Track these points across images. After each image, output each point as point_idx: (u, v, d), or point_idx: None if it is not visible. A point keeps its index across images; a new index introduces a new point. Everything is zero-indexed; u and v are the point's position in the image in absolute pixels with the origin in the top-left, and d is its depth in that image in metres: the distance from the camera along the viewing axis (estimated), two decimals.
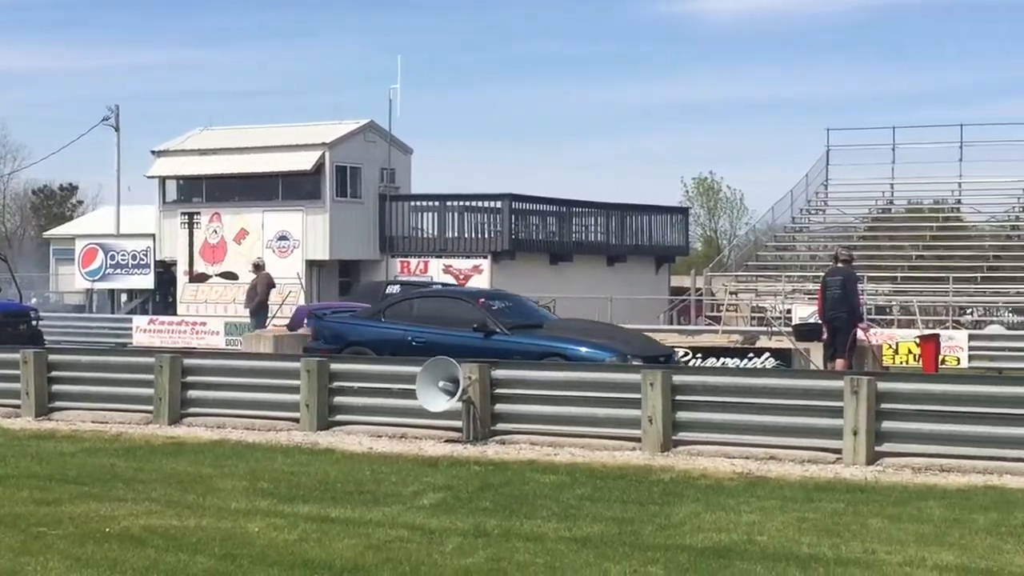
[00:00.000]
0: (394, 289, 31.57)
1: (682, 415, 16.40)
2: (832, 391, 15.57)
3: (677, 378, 16.53)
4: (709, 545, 10.57)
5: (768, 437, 15.94)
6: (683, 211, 58.31)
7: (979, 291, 45.91)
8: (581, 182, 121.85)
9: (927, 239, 51.75)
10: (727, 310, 45.48)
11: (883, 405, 15.37)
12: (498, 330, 20.94)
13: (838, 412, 15.39)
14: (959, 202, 55.39)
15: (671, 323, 43.34)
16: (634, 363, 19.18)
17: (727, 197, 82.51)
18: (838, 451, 15.43)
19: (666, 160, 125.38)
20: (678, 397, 16.38)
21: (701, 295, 47.45)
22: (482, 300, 22.11)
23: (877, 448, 15.36)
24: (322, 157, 43.49)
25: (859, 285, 24.61)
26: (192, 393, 19.41)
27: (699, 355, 25.04)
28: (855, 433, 15.24)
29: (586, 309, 39.24)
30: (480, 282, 43.36)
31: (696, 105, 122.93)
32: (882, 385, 15.45)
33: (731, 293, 47.50)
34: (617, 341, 21.02)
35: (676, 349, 23.67)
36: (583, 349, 20.22)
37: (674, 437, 16.36)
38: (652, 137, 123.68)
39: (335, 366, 18.81)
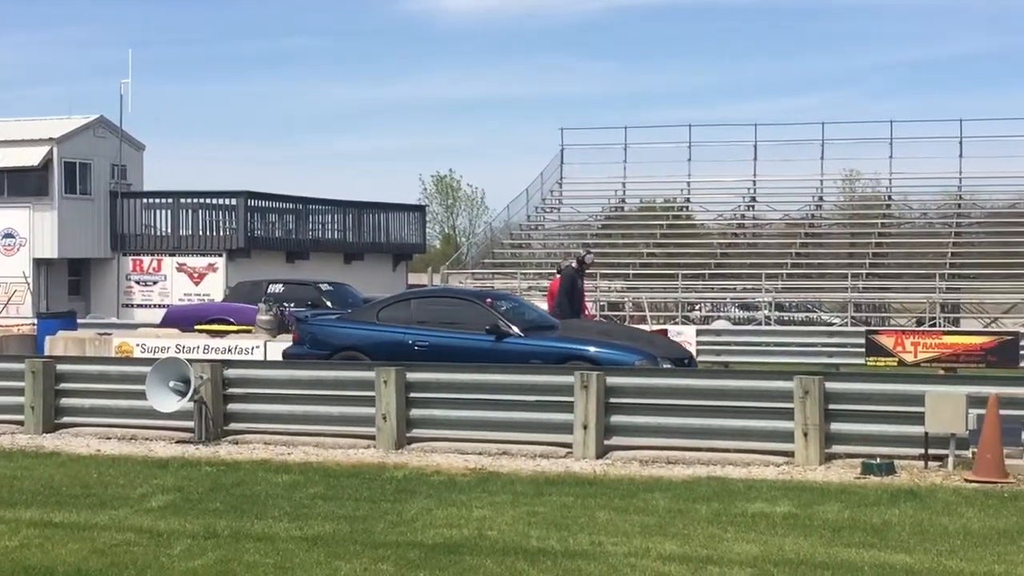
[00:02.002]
0: (277, 288, 30.94)
1: (416, 412, 16.48)
2: (563, 386, 15.83)
3: (411, 375, 16.59)
4: (440, 541, 10.63)
5: (501, 433, 16.14)
6: (420, 209, 58.57)
7: (707, 287, 47.24)
8: (319, 180, 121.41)
9: (658, 237, 53.07)
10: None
11: (612, 399, 15.72)
12: (512, 332, 19.27)
13: (569, 407, 15.67)
14: (688, 201, 56.93)
15: None
16: (664, 366, 18.35)
17: (467, 195, 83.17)
18: (569, 445, 15.72)
19: (406, 157, 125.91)
20: (412, 394, 16.46)
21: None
22: (489, 300, 20.43)
23: (606, 442, 15.69)
24: (50, 152, 42.33)
25: (584, 283, 24.96)
26: None
27: None
28: (585, 427, 15.54)
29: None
30: (216, 280, 42.79)
31: (436, 102, 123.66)
32: (611, 380, 15.78)
33: None
34: (642, 343, 19.77)
35: None
36: (609, 352, 18.65)
37: (408, 434, 16.44)
38: (392, 134, 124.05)
39: (62, 367, 18.36)
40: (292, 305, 27.70)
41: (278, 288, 31.18)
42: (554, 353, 18.77)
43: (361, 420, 16.65)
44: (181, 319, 30.41)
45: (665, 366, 18.28)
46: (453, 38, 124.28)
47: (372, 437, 16.46)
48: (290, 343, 21.37)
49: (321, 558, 9.99)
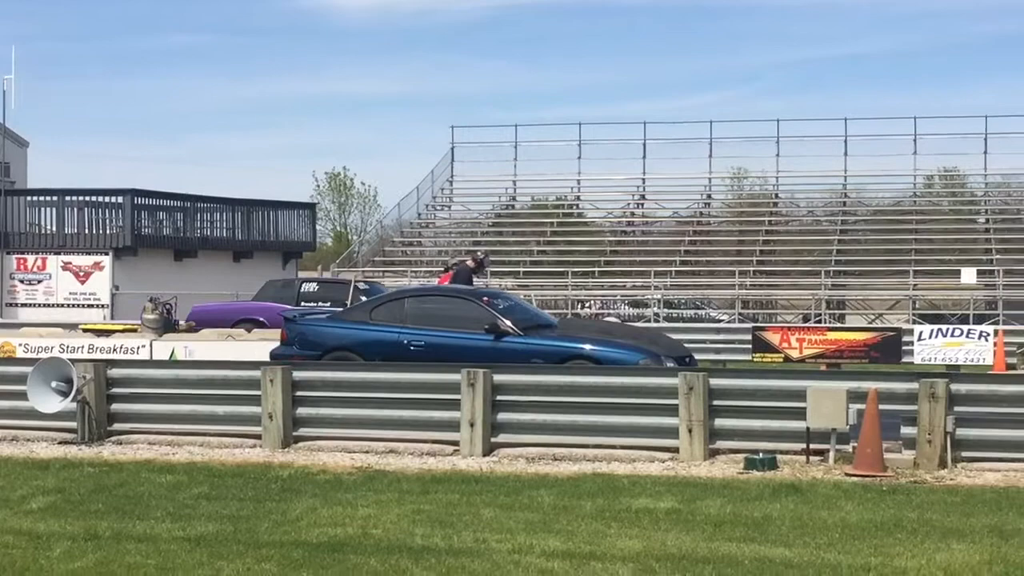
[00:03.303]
0: (311, 287, 29.69)
1: (303, 411, 16.41)
2: (449, 384, 15.84)
3: (298, 374, 16.53)
4: (324, 540, 10.61)
5: (388, 431, 16.13)
6: (310, 206, 58.17)
7: (597, 285, 47.50)
8: (211, 178, 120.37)
9: (548, 234, 53.29)
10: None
11: (499, 397, 15.77)
12: (511, 331, 18.74)
13: (455, 405, 15.69)
14: (578, 199, 57.22)
15: None
16: (668, 364, 17.97)
17: (360, 192, 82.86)
18: (456, 443, 15.73)
19: (300, 155, 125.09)
20: (299, 393, 16.39)
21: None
22: (486, 299, 19.89)
23: (494, 439, 15.74)
24: None
25: (475, 279, 24.98)
26: None
27: None
28: (472, 425, 15.57)
29: None
30: (102, 279, 42.27)
31: (330, 100, 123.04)
32: (498, 377, 15.82)
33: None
34: (644, 341, 19.41)
35: None
36: (613, 351, 18.28)
37: (295, 433, 16.37)
38: (285, 132, 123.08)
39: None
40: (328, 304, 26.74)
41: (312, 287, 29.81)
42: (556, 352, 18.40)
43: (247, 419, 16.54)
44: (206, 319, 28.44)
45: (668, 364, 18.01)
46: (346, 36, 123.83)
47: (258, 436, 16.36)
48: (278, 343, 20.57)
49: (203, 558, 9.92)
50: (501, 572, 9.43)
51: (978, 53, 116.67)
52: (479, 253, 24.67)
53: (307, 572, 9.51)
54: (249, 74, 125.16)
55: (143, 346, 23.92)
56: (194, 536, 10.76)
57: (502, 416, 15.79)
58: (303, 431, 16.40)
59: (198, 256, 46.44)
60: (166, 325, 25.14)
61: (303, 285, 30.29)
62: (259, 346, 22.30)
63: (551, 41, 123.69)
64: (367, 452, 15.75)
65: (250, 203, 50.59)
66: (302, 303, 26.94)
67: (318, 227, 65.45)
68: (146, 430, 17.03)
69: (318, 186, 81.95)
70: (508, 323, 18.87)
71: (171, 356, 22.80)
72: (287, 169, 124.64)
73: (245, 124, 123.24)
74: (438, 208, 57.03)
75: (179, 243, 46.44)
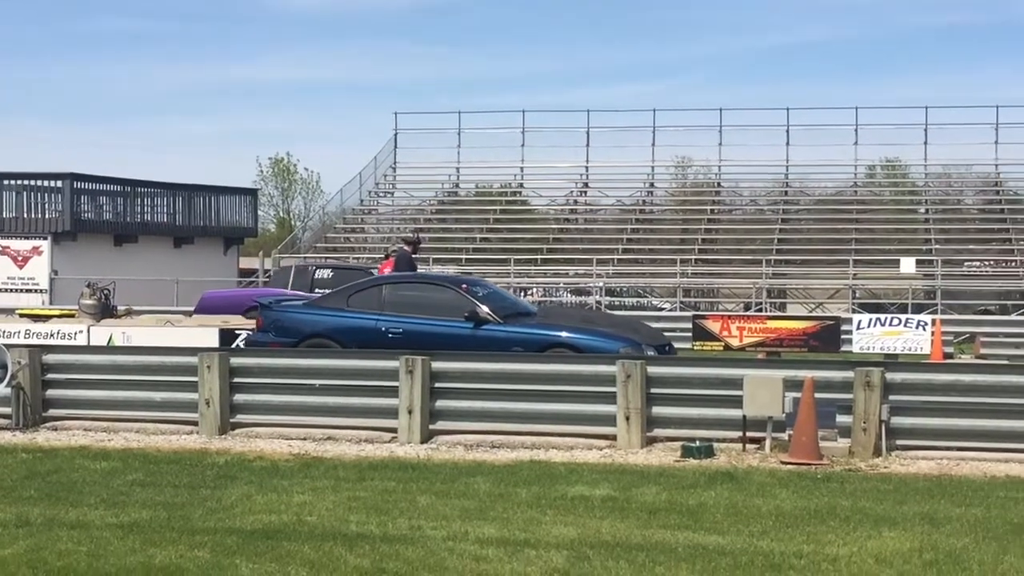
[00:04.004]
0: (325, 274, 28.95)
1: (240, 397, 16.35)
2: (387, 371, 15.82)
3: (235, 360, 16.47)
4: (259, 527, 10.56)
5: (326, 418, 16.09)
6: (252, 192, 57.92)
7: (540, 272, 47.53)
8: (153, 162, 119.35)
9: (491, 222, 53.27)
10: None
11: (437, 384, 15.76)
12: (491, 319, 18.66)
13: (394, 392, 15.67)
14: (522, 186, 57.22)
15: None
16: (649, 353, 17.85)
17: (303, 178, 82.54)
18: (394, 430, 15.71)
19: (242, 140, 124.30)
20: (236, 379, 16.32)
21: (270, 277, 47.25)
22: (465, 286, 19.75)
23: (432, 426, 15.73)
24: None
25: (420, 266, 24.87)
26: None
27: None
28: (410, 412, 15.55)
29: (152, 292, 38.58)
30: (40, 264, 41.94)
31: (274, 86, 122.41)
32: (436, 364, 15.81)
33: None
34: (624, 329, 19.40)
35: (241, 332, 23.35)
36: (593, 339, 18.26)
37: (232, 420, 16.31)
38: (227, 117, 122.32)
39: None
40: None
41: (327, 273, 29.15)
42: (536, 341, 18.30)
43: (184, 406, 16.47)
44: (216, 306, 27.78)
45: (649, 353, 17.96)
46: (289, 21, 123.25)
47: (195, 423, 16.29)
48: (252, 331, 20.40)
49: (136, 545, 9.85)
50: (435, 559, 9.42)
51: (919, 44, 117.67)
52: (412, 234, 24.41)
53: (241, 559, 9.46)
54: (192, 59, 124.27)
55: (80, 332, 23.72)
56: (127, 523, 10.68)
57: (440, 403, 15.78)
58: (240, 417, 16.35)
59: (138, 241, 46.16)
60: (104, 311, 24.94)
61: (317, 272, 29.95)
62: (198, 332, 22.19)
63: (495, 28, 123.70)
64: (305, 439, 15.71)
65: (191, 188, 50.31)
66: (315, 290, 26.55)
67: (260, 213, 65.23)
68: (82, 416, 16.91)
69: (261, 172, 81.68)
70: (488, 311, 18.81)
71: (109, 342, 22.62)
72: (230, 155, 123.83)
73: (187, 109, 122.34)
74: (381, 194, 56.87)
75: (119, 228, 46.12)
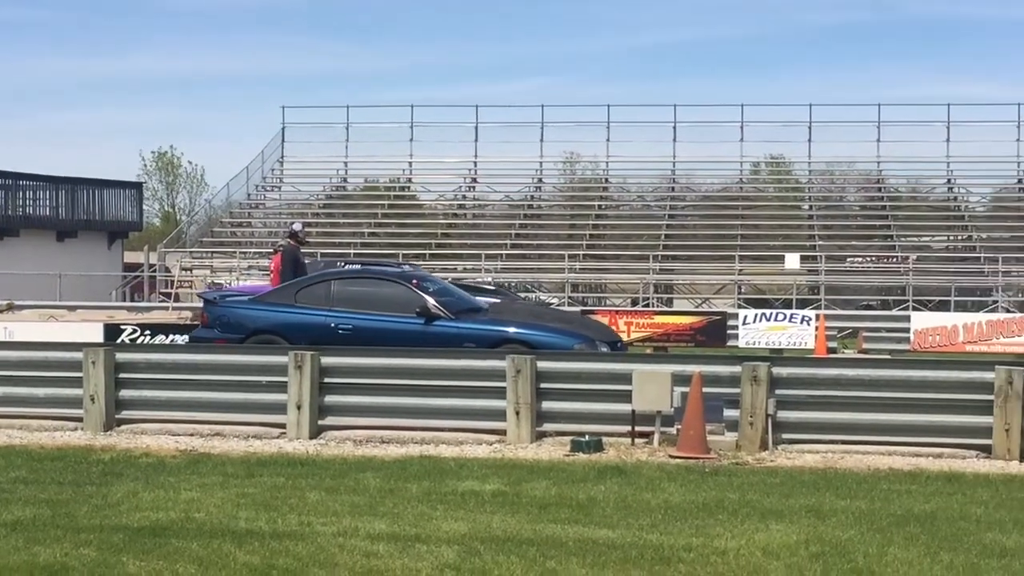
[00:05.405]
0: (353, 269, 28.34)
1: (126, 393, 16.16)
2: (276, 366, 15.71)
3: (120, 356, 16.28)
4: (146, 524, 10.43)
5: (214, 413, 15.97)
6: (137, 186, 57.22)
7: (428, 267, 47.38)
8: (33, 155, 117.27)
9: (380, 217, 53.09)
10: (181, 286, 45.04)
11: (327, 380, 15.68)
12: (443, 315, 18.41)
13: (283, 387, 15.57)
14: (410, 181, 57.11)
15: (124, 300, 42.50)
16: (602, 349, 17.85)
17: (187, 172, 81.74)
18: (283, 426, 15.61)
19: (126, 133, 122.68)
20: (122, 375, 16.14)
21: (156, 271, 46.78)
22: (415, 281, 19.39)
23: (321, 422, 15.65)
24: None
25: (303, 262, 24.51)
26: None
27: (148, 332, 24.63)
28: (299, 407, 15.46)
29: (35, 286, 37.98)
30: None
31: (158, 78, 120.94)
32: (325, 360, 15.73)
33: (185, 269, 47.08)
34: (577, 326, 19.31)
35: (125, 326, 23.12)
36: (548, 335, 18.09)
37: (118, 416, 16.12)
38: (111, 110, 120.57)
39: None
40: None
41: (354, 269, 28.82)
42: (489, 337, 18.04)
43: (69, 402, 16.26)
44: None
45: (603, 349, 17.94)
46: (175, 13, 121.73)
47: (80, 419, 16.08)
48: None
49: (19, 544, 9.67)
50: (325, 555, 9.37)
51: (804, 43, 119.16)
52: (297, 226, 23.93)
53: (128, 557, 9.33)
54: (74, 50, 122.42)
55: None
56: (10, 521, 10.49)
57: (330, 399, 15.70)
58: (126, 413, 16.16)
59: (20, 235, 45.46)
60: None
61: (345, 267, 29.42)
62: (83, 327, 21.90)
63: (384, 22, 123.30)
64: (192, 435, 15.56)
65: (74, 181, 49.63)
66: None
67: (145, 207, 64.50)
68: None
69: (145, 165, 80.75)
70: (439, 307, 18.60)
71: None
72: (113, 148, 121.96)
73: (69, 101, 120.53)
74: (268, 189, 56.44)
75: (0, 222, 45.33)
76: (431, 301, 18.63)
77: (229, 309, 19.64)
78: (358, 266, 27.43)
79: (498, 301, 22.48)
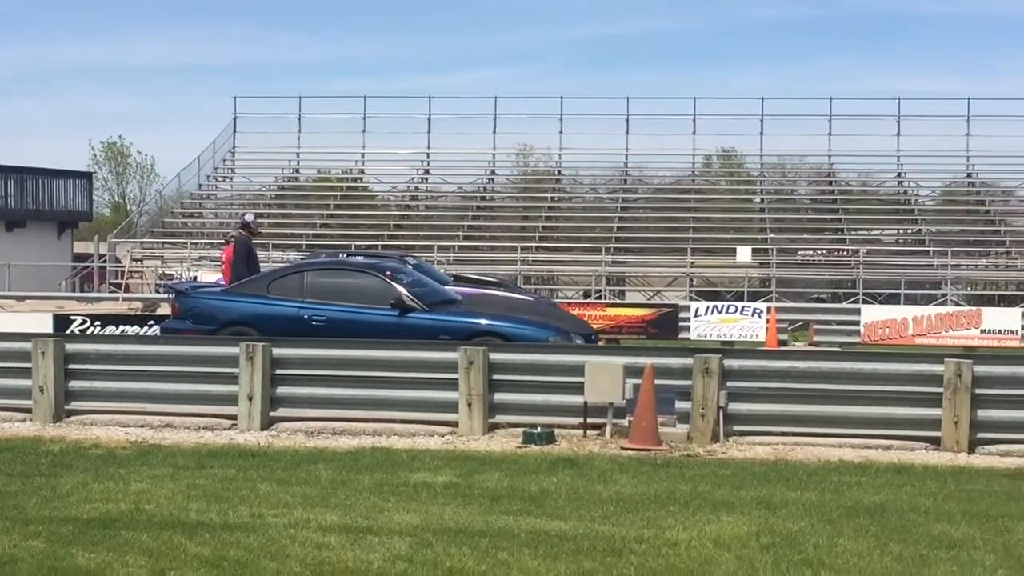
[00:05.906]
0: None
1: (76, 384, 16.05)
2: (227, 357, 15.65)
3: (70, 347, 16.17)
4: (96, 516, 10.37)
5: (164, 405, 15.88)
6: (87, 176, 56.84)
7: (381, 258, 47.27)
8: None
9: (332, 208, 52.94)
10: (131, 277, 44.77)
11: (278, 371, 15.63)
12: (417, 307, 18.31)
13: (234, 378, 15.52)
14: (363, 172, 56.97)
15: (74, 290, 42.22)
16: (577, 341, 17.89)
17: (137, 162, 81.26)
18: (234, 417, 15.56)
19: (75, 123, 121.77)
20: (71, 366, 16.03)
21: (105, 262, 46.47)
22: (389, 272, 19.17)
23: (272, 413, 15.61)
24: None
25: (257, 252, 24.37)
26: None
27: (98, 323, 24.50)
28: (250, 399, 15.41)
29: None
30: None
31: (108, 68, 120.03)
32: (277, 351, 15.68)
33: (136, 260, 46.80)
34: (551, 318, 19.27)
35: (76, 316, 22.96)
36: (523, 328, 18.06)
37: (67, 407, 16.01)
38: (60, 99, 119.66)
39: None
40: None
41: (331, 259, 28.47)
42: (464, 329, 17.97)
43: (17, 393, 16.13)
44: None
45: (577, 342, 17.94)
46: (128, 2, 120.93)
47: (29, 410, 15.96)
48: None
49: None
50: (277, 547, 9.34)
51: (756, 36, 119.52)
52: (248, 217, 23.75)
53: (77, 548, 9.27)
54: (22, 38, 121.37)
55: None
56: None
57: (281, 390, 15.66)
58: (76, 404, 16.05)
59: None
60: None
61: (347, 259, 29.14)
62: (32, 318, 21.74)
63: (337, 13, 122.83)
64: (143, 426, 15.48)
65: (23, 171, 49.29)
66: None
67: (95, 197, 64.07)
68: None
69: (95, 155, 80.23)
70: (413, 298, 18.51)
71: None
72: (62, 137, 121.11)
73: (16, 90, 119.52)
74: (220, 179, 56.16)
75: None
76: (405, 293, 18.53)
77: (201, 300, 19.46)
78: (361, 258, 27.41)
79: (483, 292, 22.46)
